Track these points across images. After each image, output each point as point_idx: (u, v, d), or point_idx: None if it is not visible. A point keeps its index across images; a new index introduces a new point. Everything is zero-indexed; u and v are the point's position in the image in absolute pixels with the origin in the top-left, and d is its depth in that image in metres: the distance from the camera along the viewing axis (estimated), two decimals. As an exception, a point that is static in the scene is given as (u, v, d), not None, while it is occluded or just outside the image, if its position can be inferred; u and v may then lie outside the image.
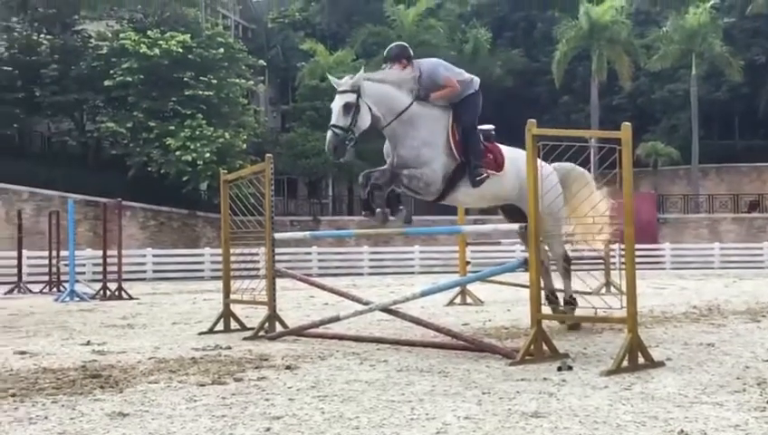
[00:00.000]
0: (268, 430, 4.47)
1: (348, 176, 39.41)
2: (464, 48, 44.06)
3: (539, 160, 9.13)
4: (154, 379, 6.15)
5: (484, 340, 7.98)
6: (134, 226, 31.10)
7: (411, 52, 8.27)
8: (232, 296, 9.69)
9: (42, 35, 33.66)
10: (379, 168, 7.95)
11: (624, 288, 6.45)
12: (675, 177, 43.72)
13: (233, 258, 9.93)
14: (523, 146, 7.19)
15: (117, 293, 16.63)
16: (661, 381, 5.78)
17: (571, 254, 9.68)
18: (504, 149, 8.48)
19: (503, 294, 14.37)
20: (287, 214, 37.34)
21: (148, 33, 32.49)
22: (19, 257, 20.81)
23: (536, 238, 6.80)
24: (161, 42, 31.90)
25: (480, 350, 7.27)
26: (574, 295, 9.09)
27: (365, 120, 7.63)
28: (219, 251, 11.13)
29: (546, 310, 6.87)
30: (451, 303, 13.48)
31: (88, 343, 8.59)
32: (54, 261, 19.43)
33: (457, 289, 13.39)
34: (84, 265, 23.35)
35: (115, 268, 17.13)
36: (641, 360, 6.33)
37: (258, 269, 11.41)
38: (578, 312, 8.67)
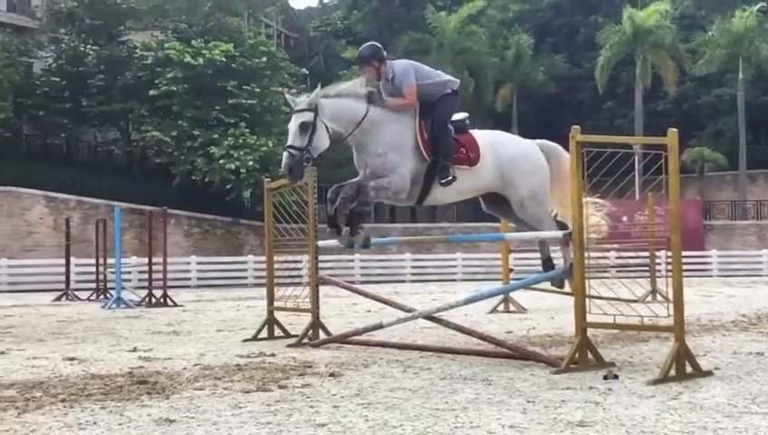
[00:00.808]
0: (313, 437, 4.48)
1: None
2: (506, 54, 43.92)
3: (514, 136, 8.90)
4: (199, 385, 6.21)
5: (528, 348, 7.94)
6: (179, 233, 31.41)
7: (384, 53, 8.08)
8: (276, 304, 9.75)
9: (89, 46, 34.22)
10: (349, 181, 7.74)
11: (671, 296, 6.37)
12: (721, 182, 43.05)
13: (276, 266, 9.99)
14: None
15: (162, 300, 16.83)
16: (709, 391, 5.69)
17: (616, 261, 9.53)
18: (481, 136, 8.12)
19: (546, 302, 14.27)
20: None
21: (193, 42, 32.86)
22: (67, 265, 21.16)
23: (581, 246, 6.75)
24: (205, 51, 32.24)
25: (524, 358, 7.23)
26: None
27: (322, 140, 7.42)
28: (262, 258, 11.19)
29: (591, 318, 6.80)
30: (494, 310, 13.42)
31: (134, 350, 8.70)
32: (101, 268, 19.70)
33: (500, 296, 13.33)
34: (130, 272, 23.65)
35: (160, 276, 17.33)
36: (689, 369, 6.24)
37: (301, 276, 11.48)
38: (624, 320, 8.58)
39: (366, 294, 9.77)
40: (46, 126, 34.24)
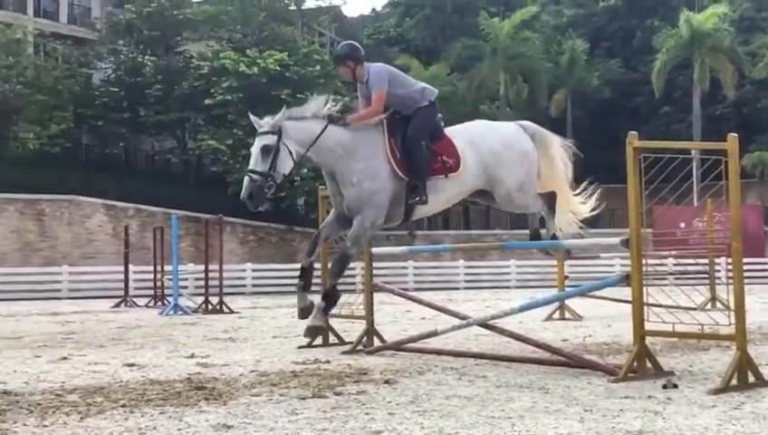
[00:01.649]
0: (369, 444, 4.49)
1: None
2: (560, 59, 43.65)
3: (494, 123, 8.51)
4: (256, 392, 6.26)
5: (585, 356, 7.84)
6: (234, 241, 31.78)
7: (362, 53, 7.74)
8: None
9: (146, 57, 34.93)
10: (333, 257, 7.55)
11: (731, 304, 6.25)
12: (783, 187, 42.16)
13: (331, 273, 10.02)
14: (621, 158, 6.97)
15: (218, 307, 17.03)
16: (773, 401, 5.57)
17: (674, 268, 9.36)
18: (458, 135, 7.73)
19: (603, 310, 14.10)
20: (383, 229, 37.48)
21: (247, 52, 33.30)
22: (126, 272, 21.54)
23: (638, 252, 6.65)
24: (259, 60, 32.63)
25: (580, 366, 7.15)
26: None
27: (286, 164, 7.10)
28: (317, 265, 11.24)
29: (650, 326, 6.70)
30: (549, 318, 13.30)
31: (192, 356, 8.81)
32: (159, 276, 20.01)
33: (556, 304, 13.21)
34: (187, 279, 23.97)
35: (216, 283, 17.54)
36: (751, 379, 6.11)
37: (355, 284, 11.52)
38: (683, 328, 8.43)
39: (420, 302, 9.76)
40: (105, 136, 35.00)
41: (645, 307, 6.66)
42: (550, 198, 8.18)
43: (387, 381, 6.65)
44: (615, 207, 39.50)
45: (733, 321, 6.11)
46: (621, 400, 5.68)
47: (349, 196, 7.29)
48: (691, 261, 13.09)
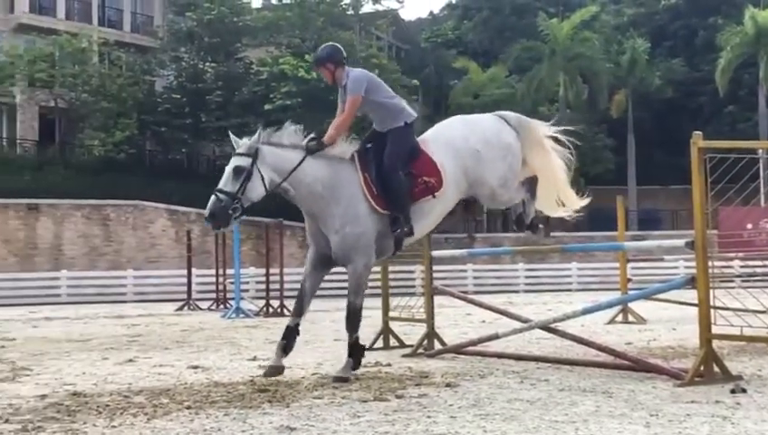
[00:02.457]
0: (431, 447, 4.49)
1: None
2: (620, 59, 43.04)
3: (470, 118, 7.95)
4: (318, 394, 6.30)
5: (650, 360, 7.72)
6: (294, 245, 31.99)
7: (343, 55, 7.38)
8: (390, 314, 9.80)
9: (207, 64, 35.46)
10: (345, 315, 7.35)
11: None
12: None
13: (390, 276, 10.04)
14: (685, 159, 6.84)
15: (279, 310, 17.18)
16: None
17: (741, 270, 9.13)
18: (434, 142, 7.32)
19: (667, 313, 13.87)
20: (442, 231, 37.45)
21: (306, 57, 33.52)
22: (189, 276, 21.85)
23: (704, 254, 6.53)
24: (318, 65, 32.83)
25: (645, 370, 7.04)
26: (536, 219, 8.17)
27: (256, 190, 6.81)
28: (375, 269, 11.27)
29: (717, 329, 6.56)
30: (612, 321, 13.13)
31: (254, 359, 8.90)
32: (221, 279, 20.26)
33: (619, 307, 13.03)
34: (248, 282, 24.24)
35: (277, 286, 17.70)
36: (823, 383, 5.95)
37: (414, 286, 11.52)
38: (752, 332, 8.25)
39: (481, 305, 9.71)
40: (168, 142, 35.61)
41: (711, 310, 6.54)
42: (531, 183, 7.97)
43: (448, 385, 6.64)
44: (678, 208, 39.04)
45: (803, 324, 5.96)
46: (688, 404, 5.58)
47: (334, 243, 7.01)
48: (759, 263, 12.76)
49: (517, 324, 8.49)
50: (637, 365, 7.18)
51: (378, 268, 8.45)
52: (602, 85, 41.62)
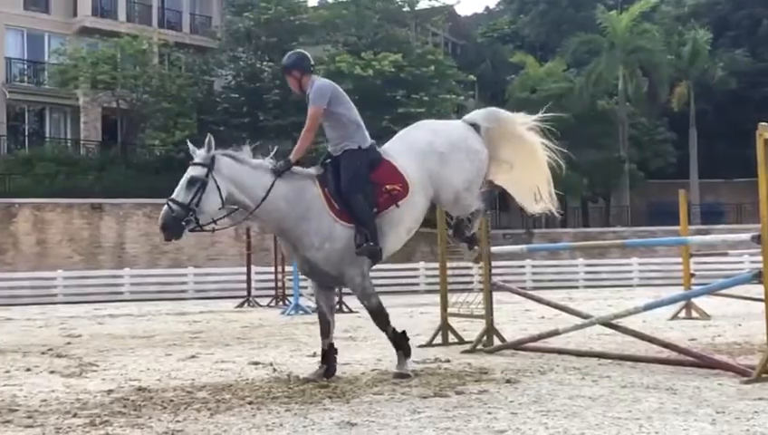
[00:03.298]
0: (492, 443, 4.47)
1: (560, 187, 38.74)
2: (681, 51, 42.26)
3: (438, 123, 7.76)
4: (378, 390, 6.32)
5: (715, 356, 7.57)
6: (352, 241, 32.13)
7: (310, 63, 7.23)
8: (449, 310, 9.78)
9: (264, 63, 35.74)
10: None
11: None
12: None
13: (449, 272, 10.02)
14: (750, 151, 6.67)
15: (338, 306, 17.23)
16: None
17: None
18: (396, 149, 7.12)
19: (732, 308, 13.60)
20: (500, 227, 37.26)
21: (362, 54, 33.64)
22: (248, 273, 22.08)
23: (771, 249, 6.38)
24: (374, 62, 32.91)
25: (710, 366, 6.91)
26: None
27: (211, 202, 6.50)
28: (434, 265, 11.27)
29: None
30: (675, 317, 12.91)
31: (314, 355, 8.92)
32: (280, 276, 20.43)
33: (681, 303, 12.81)
34: (306, 279, 24.36)
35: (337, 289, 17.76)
36: None
37: (472, 283, 11.47)
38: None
39: (541, 301, 9.63)
40: (227, 141, 35.79)
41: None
42: (488, 195, 7.84)
43: (508, 381, 6.60)
44: (743, 201, 38.18)
45: None
46: (755, 401, 5.46)
47: (316, 259, 6.73)
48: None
49: (578, 320, 8.41)
50: (702, 361, 7.05)
51: (437, 264, 8.41)
52: (663, 78, 40.92)
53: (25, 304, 23.40)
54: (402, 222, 7.00)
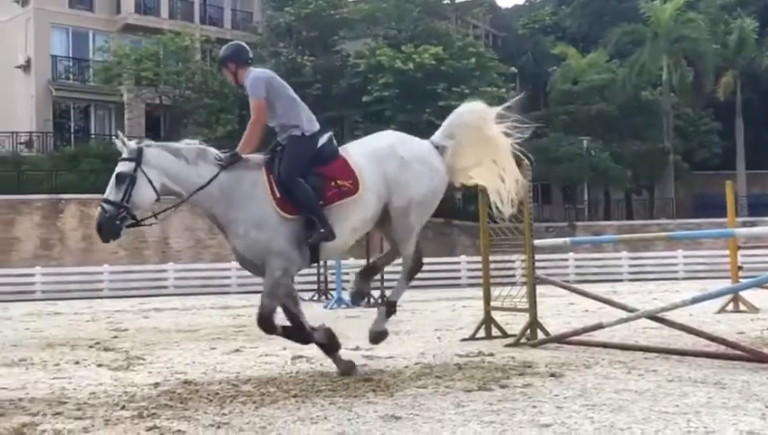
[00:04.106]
0: (538, 437, 4.45)
1: (604, 180, 38.43)
2: (727, 40, 41.55)
3: (405, 136, 7.38)
4: (422, 383, 6.32)
5: (764, 350, 7.45)
6: (393, 235, 32.14)
7: (247, 55, 7.06)
8: (492, 303, 9.74)
9: (305, 57, 35.85)
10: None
11: None
12: None
13: (491, 265, 9.98)
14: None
15: (380, 300, 17.25)
16: None
17: None
18: (356, 152, 6.93)
19: (780, 302, 13.36)
20: (542, 220, 37.02)
21: (403, 48, 33.60)
22: (291, 267, 22.15)
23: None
24: (415, 56, 32.85)
25: (760, 360, 6.80)
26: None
27: (143, 195, 6.31)
28: (476, 259, 11.24)
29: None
30: (722, 310, 12.72)
31: (357, 349, 8.97)
32: (322, 270, 20.50)
33: (729, 296, 12.61)
34: (348, 274, 24.44)
35: (377, 277, 17.77)
36: None
37: (515, 276, 11.41)
38: None
39: (585, 294, 9.55)
40: (269, 135, 36.13)
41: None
42: (417, 263, 7.58)
43: (553, 375, 6.56)
44: (791, 192, 37.49)
45: None
46: (806, 396, 5.37)
47: (240, 247, 6.57)
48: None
49: (622, 314, 8.32)
50: (751, 355, 6.94)
51: (478, 258, 8.38)
52: (708, 67, 40.28)
53: (72, 299, 23.77)
54: (348, 219, 6.76)
